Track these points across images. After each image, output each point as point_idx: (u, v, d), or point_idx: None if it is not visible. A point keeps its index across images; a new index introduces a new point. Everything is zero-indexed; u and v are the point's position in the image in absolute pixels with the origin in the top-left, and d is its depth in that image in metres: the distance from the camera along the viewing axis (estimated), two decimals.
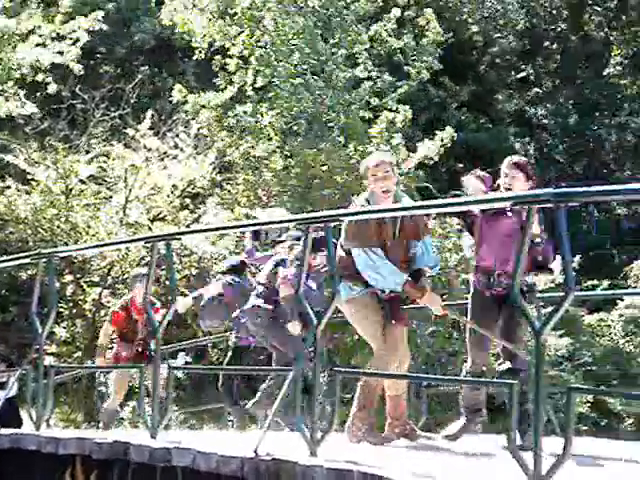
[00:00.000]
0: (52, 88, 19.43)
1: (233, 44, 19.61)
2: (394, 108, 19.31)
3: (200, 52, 20.04)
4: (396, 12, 20.02)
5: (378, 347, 6.55)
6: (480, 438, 7.08)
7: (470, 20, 30.30)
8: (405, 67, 20.06)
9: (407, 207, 6.52)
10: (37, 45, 19.20)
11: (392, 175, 6.61)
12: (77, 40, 19.14)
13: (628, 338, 20.71)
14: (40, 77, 19.26)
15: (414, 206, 6.68)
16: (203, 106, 19.59)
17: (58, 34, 19.32)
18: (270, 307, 9.05)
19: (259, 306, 9.09)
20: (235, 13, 19.85)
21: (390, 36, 20.06)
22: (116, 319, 10.39)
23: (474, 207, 6.48)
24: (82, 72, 19.45)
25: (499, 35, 30.80)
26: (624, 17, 31.17)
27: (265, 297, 9.13)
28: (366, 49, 19.71)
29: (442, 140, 19.07)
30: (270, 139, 19.54)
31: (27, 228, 18.07)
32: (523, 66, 30.85)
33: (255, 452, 5.47)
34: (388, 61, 20.76)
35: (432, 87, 20.44)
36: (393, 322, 6.58)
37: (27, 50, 19.02)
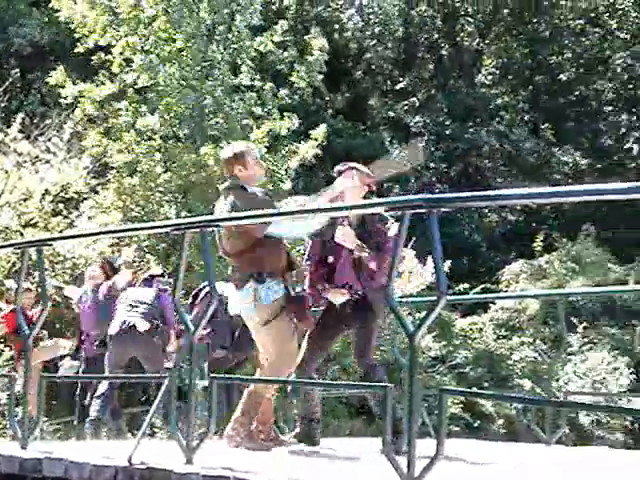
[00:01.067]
0: None
1: (113, 45, 19.29)
2: (277, 117, 19.43)
3: (82, 44, 19.54)
4: (283, 25, 20.10)
5: (283, 355, 6.37)
6: (357, 442, 7.14)
7: (347, 27, 30.67)
8: (289, 78, 20.19)
9: (278, 213, 6.44)
10: None
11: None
12: None
13: (500, 341, 21.25)
14: None
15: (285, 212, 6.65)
16: (82, 95, 19.14)
17: None
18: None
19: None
20: (118, 13, 19.55)
21: (276, 47, 20.17)
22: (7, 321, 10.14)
23: (346, 213, 6.48)
24: None
25: (375, 43, 31.24)
26: (494, 28, 32.03)
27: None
28: (251, 58, 19.77)
29: (316, 140, 19.31)
30: (149, 139, 19.32)
31: None
32: (398, 74, 31.35)
33: (129, 461, 5.39)
34: (271, 70, 20.85)
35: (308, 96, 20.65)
36: (296, 323, 6.43)
37: None
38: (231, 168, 6.69)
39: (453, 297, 13.32)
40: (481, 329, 21.65)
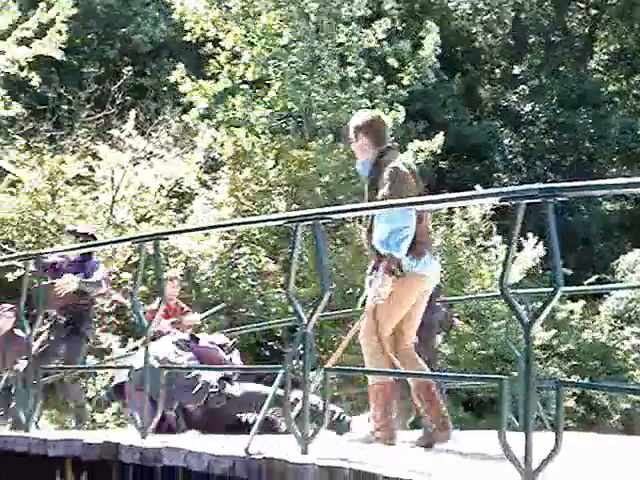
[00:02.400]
0: (36, 81, 19.29)
1: (220, 40, 19.55)
2: (386, 110, 19.39)
3: (192, 36, 19.87)
4: (386, 22, 19.99)
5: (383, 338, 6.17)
6: (467, 435, 7.09)
7: (455, 15, 30.40)
8: (399, 74, 20.12)
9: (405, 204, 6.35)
10: (19, 44, 19.11)
11: (354, 141, 6.42)
12: (59, 32, 19.03)
13: (614, 332, 20.83)
14: (24, 73, 19.15)
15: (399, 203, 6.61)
16: (196, 89, 19.48)
17: (39, 30, 19.23)
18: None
19: None
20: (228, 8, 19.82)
21: (385, 40, 20.11)
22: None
23: (458, 204, 6.46)
24: (65, 65, 19.28)
25: (484, 30, 30.87)
26: (606, 13, 31.29)
27: None
28: (359, 53, 19.76)
29: (431, 148, 19.17)
30: (259, 135, 19.55)
31: (13, 230, 18.01)
32: (508, 62, 30.91)
33: (246, 451, 5.47)
34: (381, 63, 20.81)
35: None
36: None
37: (7, 46, 18.90)
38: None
39: (568, 288, 13.09)
40: (594, 320, 21.26)
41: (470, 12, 30.99)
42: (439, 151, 19.86)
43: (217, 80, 19.63)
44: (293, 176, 19.41)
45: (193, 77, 19.78)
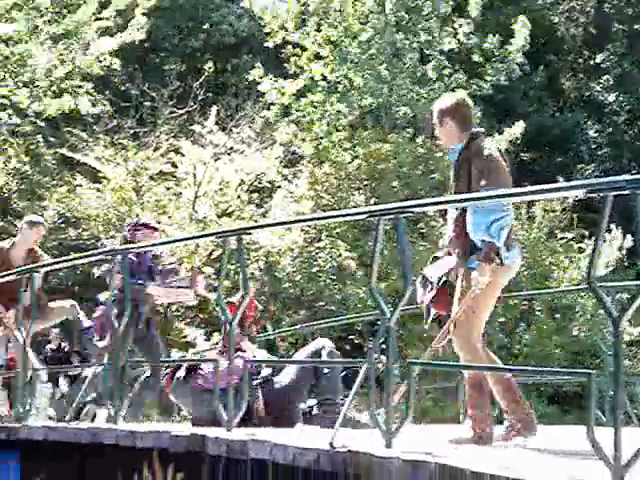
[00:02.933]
0: (117, 66, 19.58)
1: (302, 38, 19.62)
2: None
3: (271, 39, 20.00)
4: (466, 24, 19.80)
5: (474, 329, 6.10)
6: (562, 429, 7.00)
7: (536, 4, 29.97)
8: (482, 68, 19.94)
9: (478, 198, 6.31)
10: (100, 34, 19.42)
11: (439, 126, 6.18)
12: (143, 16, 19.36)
13: None
14: (107, 61, 19.46)
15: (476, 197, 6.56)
16: (280, 91, 19.62)
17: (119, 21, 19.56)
18: None
19: None
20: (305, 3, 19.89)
21: (470, 33, 19.95)
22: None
23: (544, 197, 6.35)
24: (147, 63, 19.61)
25: (566, 19, 30.39)
26: None
27: None
28: (440, 51, 19.63)
29: (512, 135, 18.99)
30: (338, 130, 19.58)
31: (99, 225, 18.35)
32: (591, 51, 30.39)
33: (331, 444, 5.49)
34: (466, 57, 20.64)
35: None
36: None
37: (92, 36, 19.24)
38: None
39: None
40: None
41: (551, 1, 30.53)
42: (520, 140, 19.60)
43: (296, 77, 19.71)
44: (372, 170, 19.40)
45: (272, 76, 19.88)
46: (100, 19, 19.46)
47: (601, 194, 4.75)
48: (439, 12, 19.78)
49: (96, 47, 19.21)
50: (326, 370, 8.27)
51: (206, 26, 25.73)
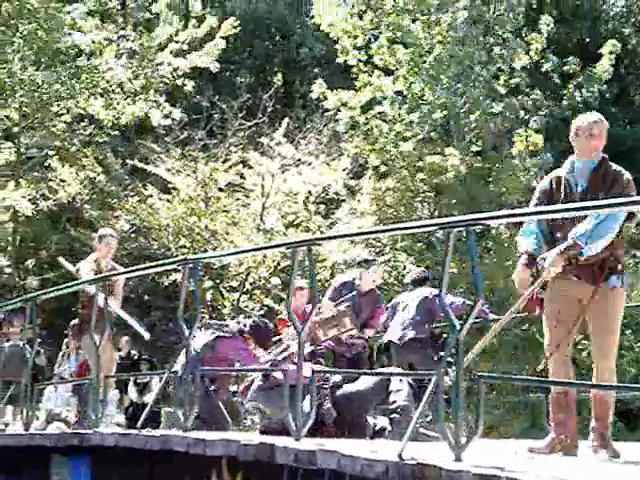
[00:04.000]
0: (190, 88, 19.99)
1: (372, 54, 19.65)
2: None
3: (343, 56, 20.10)
4: (538, 39, 19.62)
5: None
6: (629, 446, 6.91)
7: (608, 15, 29.66)
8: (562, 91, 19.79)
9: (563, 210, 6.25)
10: (175, 55, 19.82)
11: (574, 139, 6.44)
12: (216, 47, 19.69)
13: None
14: (179, 81, 19.85)
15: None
16: (343, 104, 19.70)
17: (194, 42, 19.89)
18: None
19: None
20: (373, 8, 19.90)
21: (544, 49, 19.80)
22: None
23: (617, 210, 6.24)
24: (218, 75, 19.95)
25: (636, 32, 29.98)
26: None
27: None
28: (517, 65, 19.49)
29: None
30: (406, 141, 19.56)
31: (168, 235, 18.57)
32: None
33: (400, 456, 5.49)
34: (545, 79, 20.49)
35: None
36: None
37: (166, 57, 19.64)
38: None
39: None
40: None
41: (622, 13, 30.15)
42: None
43: (360, 90, 19.74)
44: (435, 183, 19.37)
45: (336, 90, 19.88)
46: (177, 42, 19.84)
47: None
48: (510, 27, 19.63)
49: (170, 68, 19.59)
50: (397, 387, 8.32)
51: (289, 42, 25.97)
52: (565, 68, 20.06)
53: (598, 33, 28.06)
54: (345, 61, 20.35)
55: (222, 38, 20.14)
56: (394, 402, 8.22)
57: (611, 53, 19.57)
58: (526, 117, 19.66)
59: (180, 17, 21.24)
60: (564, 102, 19.90)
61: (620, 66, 29.42)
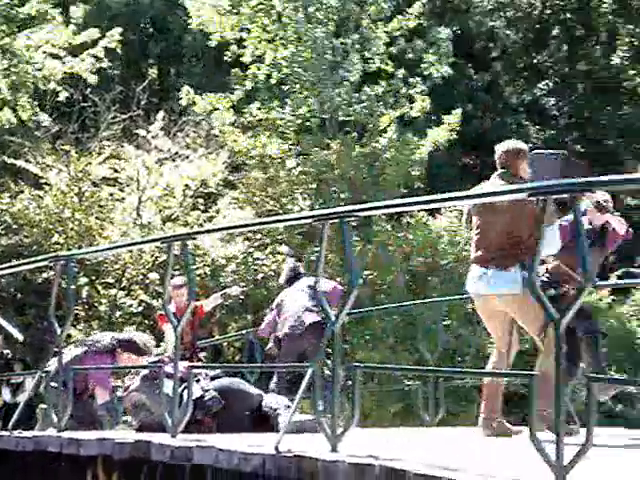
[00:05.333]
0: (63, 96, 19.56)
1: (243, 40, 19.56)
2: (407, 103, 19.36)
3: (209, 42, 19.92)
4: (416, 8, 19.92)
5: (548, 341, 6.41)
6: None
7: (477, 10, 30.28)
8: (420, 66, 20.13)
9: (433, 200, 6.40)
10: (52, 56, 19.24)
11: None
12: (96, 57, 19.21)
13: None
14: (52, 86, 19.35)
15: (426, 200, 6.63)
16: (215, 109, 19.60)
17: (73, 48, 19.38)
18: None
19: None
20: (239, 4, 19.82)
21: (404, 36, 20.13)
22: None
23: (485, 200, 6.37)
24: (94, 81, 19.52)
25: (507, 24, 30.71)
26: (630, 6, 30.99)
27: None
28: (382, 50, 19.70)
29: (450, 125, 19.18)
30: (283, 137, 19.55)
31: (41, 231, 18.12)
32: (531, 56, 30.75)
33: (276, 449, 5.48)
34: (401, 58, 20.77)
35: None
36: None
37: (41, 61, 19.06)
38: (512, 161, 6.89)
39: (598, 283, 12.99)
40: (623, 312, 21.21)
41: (492, 7, 30.81)
42: (457, 129, 19.63)
43: (233, 89, 19.66)
44: (316, 175, 19.42)
45: (206, 93, 19.76)
46: (54, 45, 19.23)
47: (541, 197, 4.82)
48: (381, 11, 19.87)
49: (47, 70, 19.02)
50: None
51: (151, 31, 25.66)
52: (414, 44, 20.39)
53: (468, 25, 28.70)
54: (221, 54, 20.21)
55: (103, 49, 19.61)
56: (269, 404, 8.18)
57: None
58: (393, 101, 19.85)
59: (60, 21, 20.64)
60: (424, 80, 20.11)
61: (489, 58, 30.18)
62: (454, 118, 19.29)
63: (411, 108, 19.48)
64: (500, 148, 7.02)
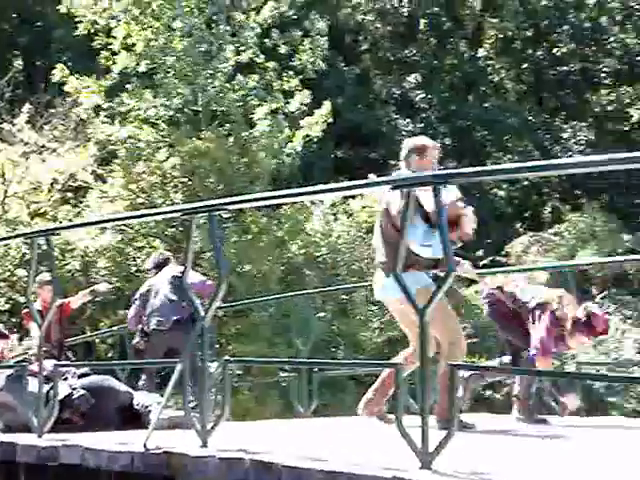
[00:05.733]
0: None
1: (113, 28, 19.19)
2: (281, 96, 19.38)
3: (79, 28, 19.46)
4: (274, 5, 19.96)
5: (455, 334, 6.50)
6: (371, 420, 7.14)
7: (348, 3, 30.57)
8: (293, 58, 20.15)
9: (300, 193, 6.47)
10: None
11: None
12: None
13: None
14: None
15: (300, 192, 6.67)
16: (85, 87, 19.03)
17: None
18: None
19: None
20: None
21: (276, 27, 20.12)
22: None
23: (351, 192, 6.49)
24: None
25: (376, 18, 31.07)
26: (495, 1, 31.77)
27: None
28: (254, 42, 19.62)
29: (322, 116, 19.30)
30: (154, 127, 19.26)
31: None
32: (400, 50, 31.18)
33: (145, 446, 5.43)
34: (274, 51, 20.71)
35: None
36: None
37: None
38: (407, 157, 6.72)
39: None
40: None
41: (361, 1, 31.11)
42: (329, 120, 19.74)
43: (107, 74, 19.21)
44: (188, 167, 19.23)
45: (78, 75, 19.21)
46: None
47: (405, 189, 4.89)
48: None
49: None
50: None
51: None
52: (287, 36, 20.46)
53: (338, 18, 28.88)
54: (89, 44, 19.76)
55: None
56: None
57: None
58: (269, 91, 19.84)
59: None
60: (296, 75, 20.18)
61: (358, 51, 30.49)
62: (325, 111, 19.38)
63: (288, 102, 19.49)
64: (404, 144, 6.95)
